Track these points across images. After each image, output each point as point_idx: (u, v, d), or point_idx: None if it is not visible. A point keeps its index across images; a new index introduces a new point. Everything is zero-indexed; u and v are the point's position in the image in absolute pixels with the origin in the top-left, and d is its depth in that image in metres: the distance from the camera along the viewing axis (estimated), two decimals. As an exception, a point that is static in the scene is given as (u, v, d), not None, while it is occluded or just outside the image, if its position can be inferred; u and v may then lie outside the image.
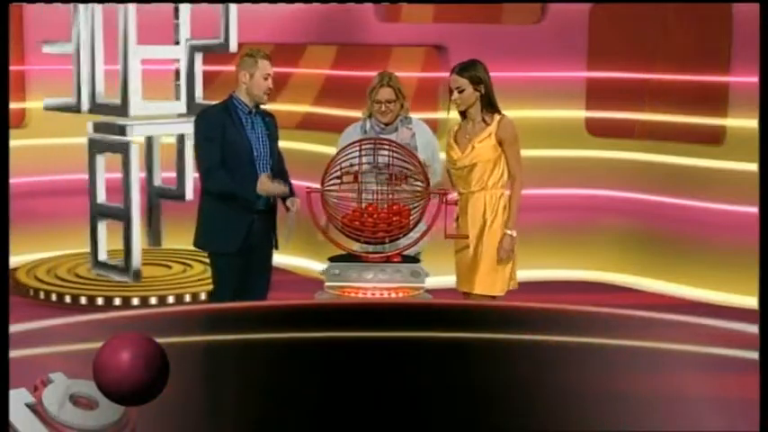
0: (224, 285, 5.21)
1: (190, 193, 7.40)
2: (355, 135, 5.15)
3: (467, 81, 4.94)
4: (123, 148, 7.07)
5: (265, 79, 5.11)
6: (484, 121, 4.96)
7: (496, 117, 4.96)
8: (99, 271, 7.33)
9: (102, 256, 7.36)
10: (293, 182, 5.25)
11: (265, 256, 5.30)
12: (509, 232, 4.93)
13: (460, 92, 4.96)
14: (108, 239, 7.33)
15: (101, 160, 7.27)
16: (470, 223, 4.97)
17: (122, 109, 7.07)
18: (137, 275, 7.15)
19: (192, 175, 7.28)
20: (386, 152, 4.58)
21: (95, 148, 7.24)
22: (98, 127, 7.23)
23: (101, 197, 7.29)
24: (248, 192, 5.00)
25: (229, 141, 5.08)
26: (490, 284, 4.94)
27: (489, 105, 4.97)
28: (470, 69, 4.95)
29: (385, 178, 4.58)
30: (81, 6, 7.10)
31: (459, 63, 5.01)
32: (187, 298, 6.92)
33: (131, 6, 6.96)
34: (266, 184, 4.99)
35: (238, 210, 5.08)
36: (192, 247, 5.36)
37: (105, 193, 7.29)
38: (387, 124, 5.26)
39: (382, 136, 5.19)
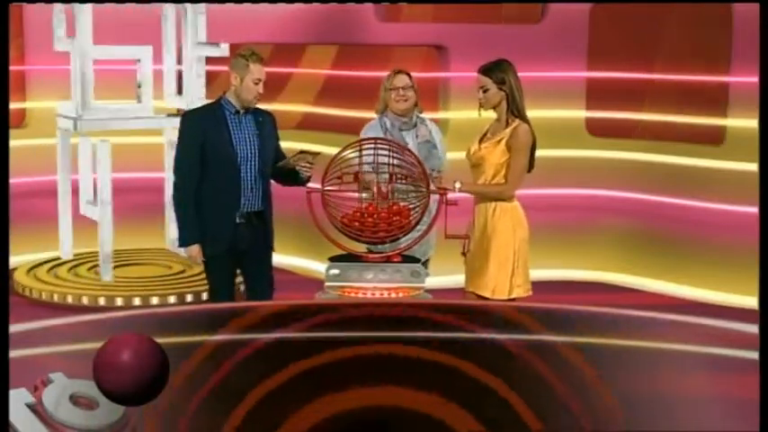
0: (218, 287, 5.22)
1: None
2: (374, 132, 5.10)
3: (490, 80, 4.86)
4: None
5: (255, 84, 4.98)
6: (506, 123, 4.87)
7: (515, 123, 4.85)
8: None
9: None
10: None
11: (260, 259, 5.24)
12: (457, 184, 4.75)
13: (485, 91, 4.88)
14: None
15: None
16: (476, 225, 4.94)
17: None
18: None
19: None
20: (386, 152, 4.57)
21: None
22: None
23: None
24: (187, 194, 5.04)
25: (210, 143, 5.01)
26: (498, 288, 4.83)
27: (514, 108, 4.85)
28: (495, 69, 4.87)
29: (385, 178, 4.58)
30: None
31: (487, 62, 4.93)
32: (188, 298, 6.91)
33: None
34: (191, 251, 5.09)
35: (221, 213, 5.05)
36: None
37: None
38: (404, 115, 5.25)
39: (403, 133, 5.22)
